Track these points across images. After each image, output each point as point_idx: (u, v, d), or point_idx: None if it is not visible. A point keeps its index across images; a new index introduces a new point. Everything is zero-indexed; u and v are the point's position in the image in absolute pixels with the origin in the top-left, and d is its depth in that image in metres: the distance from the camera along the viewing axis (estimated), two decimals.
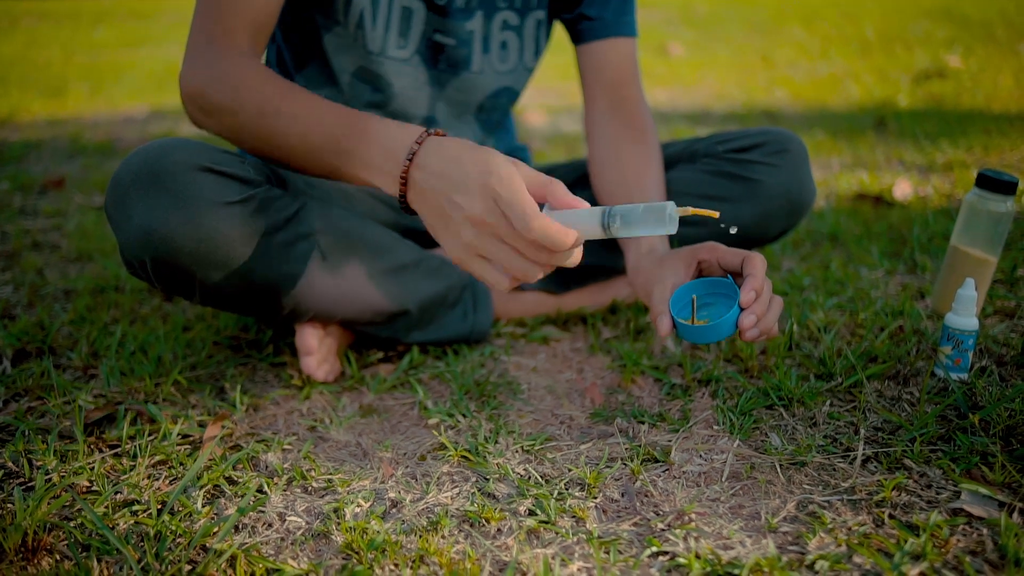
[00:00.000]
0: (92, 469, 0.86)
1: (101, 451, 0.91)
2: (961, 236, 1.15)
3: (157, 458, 0.89)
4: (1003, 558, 0.70)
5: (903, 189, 1.98)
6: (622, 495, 0.82)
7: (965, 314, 0.98)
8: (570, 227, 0.74)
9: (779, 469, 0.85)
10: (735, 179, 1.11)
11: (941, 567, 0.69)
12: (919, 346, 1.10)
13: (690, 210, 0.73)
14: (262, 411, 1.02)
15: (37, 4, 9.77)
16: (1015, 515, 0.75)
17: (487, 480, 0.85)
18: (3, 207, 1.99)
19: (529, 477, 0.86)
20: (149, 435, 0.94)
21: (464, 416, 0.99)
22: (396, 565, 0.72)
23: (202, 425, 0.97)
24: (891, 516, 0.76)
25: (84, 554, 0.73)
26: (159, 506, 0.80)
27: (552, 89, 4.05)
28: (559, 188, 0.76)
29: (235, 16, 0.93)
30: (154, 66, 5.11)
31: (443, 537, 0.76)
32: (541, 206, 0.77)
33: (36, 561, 0.73)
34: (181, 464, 0.88)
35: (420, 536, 0.76)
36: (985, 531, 0.73)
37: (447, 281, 1.11)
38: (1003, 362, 1.05)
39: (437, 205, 0.78)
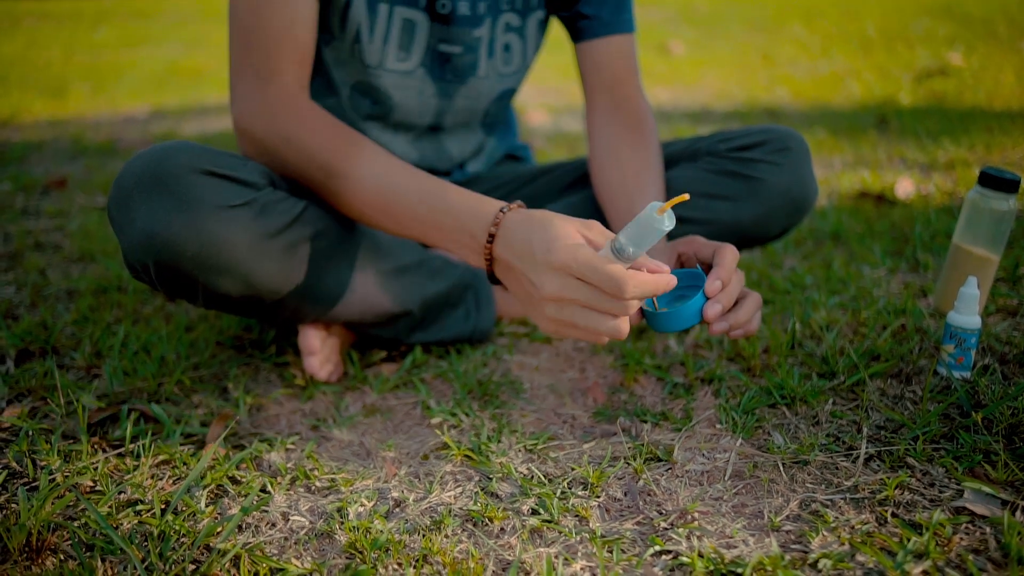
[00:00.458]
0: (96, 469, 0.86)
1: (105, 451, 0.91)
2: (963, 234, 1.15)
3: (160, 458, 0.90)
4: (1006, 556, 0.70)
5: (905, 187, 1.98)
6: (625, 494, 0.82)
7: (968, 312, 0.98)
8: None
9: (782, 468, 0.85)
10: (737, 177, 1.11)
11: (944, 566, 0.69)
12: (922, 344, 1.10)
13: (666, 206, 0.73)
14: (265, 411, 1.02)
15: (38, 4, 9.78)
16: (1018, 513, 0.75)
17: (490, 479, 0.85)
18: (5, 208, 2.00)
19: (532, 476, 0.86)
20: (152, 435, 0.94)
21: (467, 415, 0.99)
22: (399, 564, 0.72)
23: (205, 425, 0.97)
24: (894, 515, 0.76)
25: (88, 554, 0.73)
26: (163, 506, 0.80)
27: (554, 88, 4.04)
28: (596, 226, 0.81)
29: (280, 52, 0.95)
30: (155, 66, 5.11)
31: (446, 536, 0.76)
32: None
33: (40, 561, 0.73)
34: (184, 464, 0.89)
35: (423, 535, 0.76)
36: (988, 529, 0.74)
37: (449, 281, 1.11)
38: (1006, 360, 1.05)
39: (520, 284, 0.82)
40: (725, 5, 8.48)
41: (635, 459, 0.88)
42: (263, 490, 0.85)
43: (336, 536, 0.77)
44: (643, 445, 0.90)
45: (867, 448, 0.87)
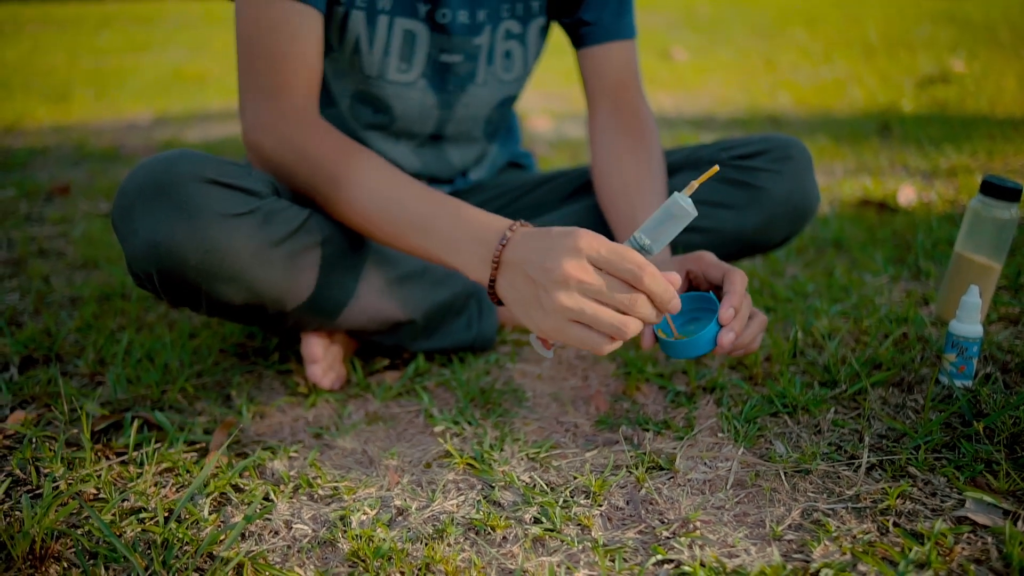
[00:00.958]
0: (99, 476, 0.87)
1: (108, 458, 0.91)
2: (965, 243, 1.15)
3: (164, 465, 0.90)
4: (1008, 566, 0.70)
5: (907, 195, 1.98)
6: (627, 503, 0.82)
7: (969, 321, 0.99)
8: None
9: (784, 477, 0.86)
10: (739, 186, 1.12)
11: (946, 575, 0.69)
12: (923, 353, 1.10)
13: (695, 185, 0.77)
14: (268, 418, 1.02)
15: (41, 10, 9.81)
16: (1020, 523, 0.75)
17: (492, 488, 0.86)
18: (9, 214, 2.00)
19: (534, 485, 0.86)
20: (156, 442, 0.94)
21: (470, 424, 0.99)
22: (402, 573, 0.72)
23: (208, 432, 0.97)
24: (896, 524, 0.77)
25: (92, 562, 0.73)
26: (166, 514, 0.80)
27: (556, 94, 4.05)
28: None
29: (286, 67, 0.95)
30: (158, 71, 5.12)
31: (449, 545, 0.76)
32: None
33: (44, 568, 0.73)
34: (188, 471, 0.89)
35: (426, 544, 0.76)
36: (990, 539, 0.74)
37: (452, 290, 1.11)
38: (1007, 369, 1.05)
39: (527, 280, 0.79)
40: (727, 10, 8.49)
41: (637, 468, 0.88)
42: (266, 498, 0.85)
43: (339, 544, 0.77)
44: (645, 454, 0.90)
45: (869, 457, 0.88)
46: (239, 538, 0.78)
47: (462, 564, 0.74)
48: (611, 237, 1.11)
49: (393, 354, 1.16)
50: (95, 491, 0.85)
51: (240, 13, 0.96)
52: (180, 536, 0.76)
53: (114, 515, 0.80)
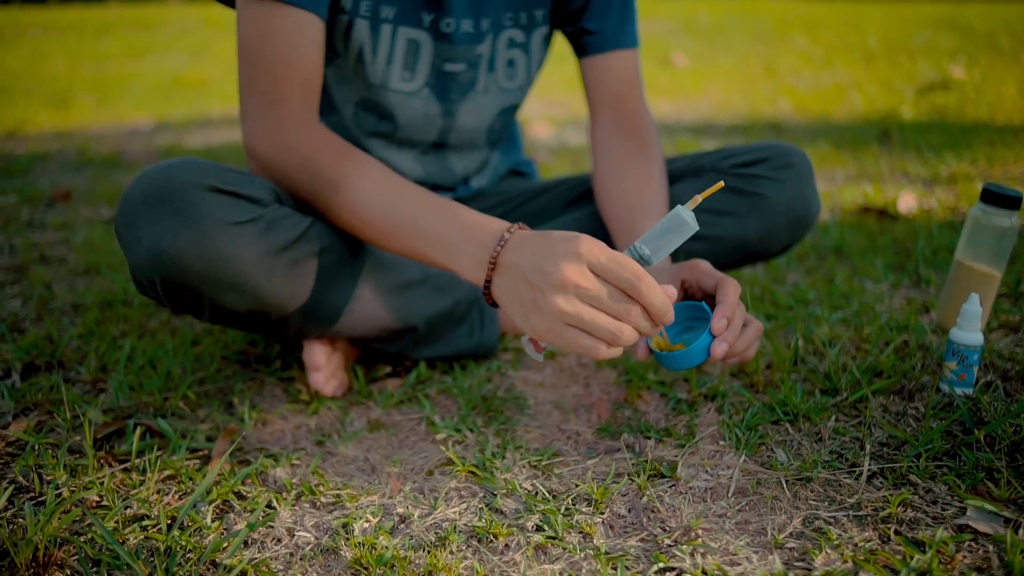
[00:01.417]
0: (102, 484, 0.87)
1: (111, 465, 0.92)
2: (966, 251, 1.15)
3: (166, 473, 0.90)
4: (1009, 574, 0.70)
5: (907, 202, 1.98)
6: (629, 511, 0.83)
7: (970, 329, 0.99)
8: None
9: (785, 485, 0.86)
10: (740, 194, 1.12)
11: None
12: (924, 361, 1.10)
13: (698, 199, 0.78)
14: (270, 426, 1.02)
15: (42, 16, 9.83)
16: (1021, 531, 0.76)
17: (494, 495, 0.86)
18: (11, 220, 2.01)
19: (536, 492, 0.86)
20: (158, 450, 0.94)
21: (471, 431, 0.99)
22: None
23: (211, 440, 0.98)
24: (897, 532, 0.77)
25: (95, 569, 0.74)
26: (169, 521, 0.81)
27: (558, 101, 4.06)
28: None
29: (287, 76, 0.96)
30: (159, 77, 5.13)
31: (451, 553, 0.77)
32: None
33: None
34: (190, 479, 0.89)
35: (428, 552, 0.76)
36: (991, 547, 0.74)
37: (454, 297, 1.11)
38: (1008, 377, 1.06)
39: (524, 282, 0.78)
40: (728, 17, 8.51)
41: (639, 475, 0.88)
42: (269, 506, 0.85)
43: (341, 552, 0.77)
44: (647, 461, 0.91)
45: (870, 465, 0.88)
46: (242, 545, 0.78)
47: (464, 572, 0.74)
48: (611, 245, 1.11)
49: (395, 361, 1.17)
50: (98, 498, 0.85)
51: (242, 20, 0.96)
52: (183, 543, 0.76)
53: (117, 522, 0.81)
